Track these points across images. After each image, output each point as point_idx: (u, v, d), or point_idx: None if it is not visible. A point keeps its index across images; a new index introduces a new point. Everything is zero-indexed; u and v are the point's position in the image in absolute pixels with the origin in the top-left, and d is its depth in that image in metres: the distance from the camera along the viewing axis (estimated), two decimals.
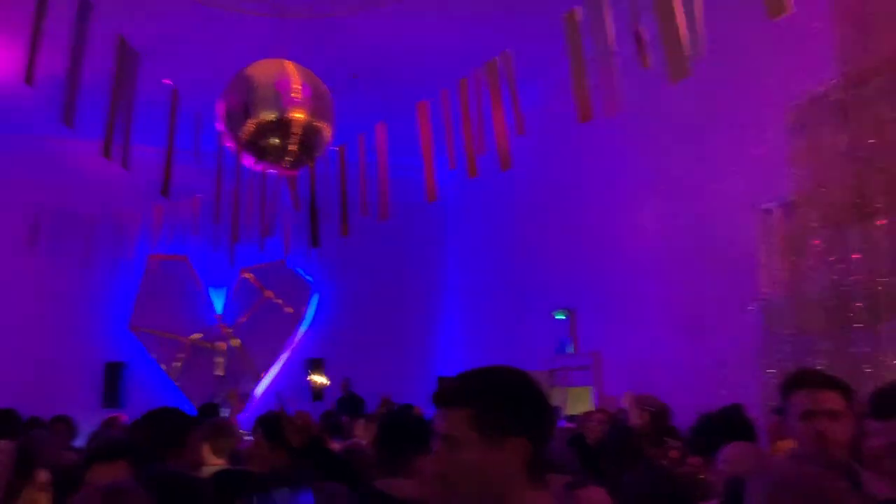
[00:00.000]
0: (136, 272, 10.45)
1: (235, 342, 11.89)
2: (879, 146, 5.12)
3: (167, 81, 5.62)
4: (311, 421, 2.88)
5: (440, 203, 8.70)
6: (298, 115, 5.18)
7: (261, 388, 11.91)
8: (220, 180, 5.26)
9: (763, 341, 6.25)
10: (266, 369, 12.02)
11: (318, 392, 11.17)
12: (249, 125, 5.21)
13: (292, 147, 5.23)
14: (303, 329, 12.39)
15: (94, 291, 11.10)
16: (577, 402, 8.50)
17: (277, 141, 5.22)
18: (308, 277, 12.18)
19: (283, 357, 12.20)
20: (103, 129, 3.88)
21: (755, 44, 6.63)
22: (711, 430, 2.84)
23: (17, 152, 10.94)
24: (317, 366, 11.32)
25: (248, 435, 4.33)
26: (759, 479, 1.50)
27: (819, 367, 5.56)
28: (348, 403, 10.31)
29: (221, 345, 11.84)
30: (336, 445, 4.01)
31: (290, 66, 5.34)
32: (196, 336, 11.76)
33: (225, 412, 9.48)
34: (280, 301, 12.20)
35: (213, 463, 3.39)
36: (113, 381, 10.61)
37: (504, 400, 1.50)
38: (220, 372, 11.52)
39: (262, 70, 5.35)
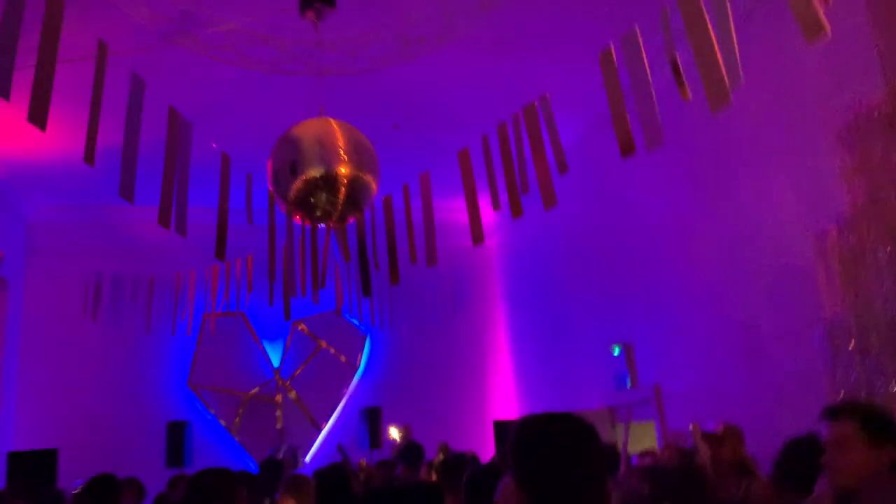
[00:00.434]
0: (193, 332, 10.68)
1: (292, 394, 12.00)
2: None
3: (214, 146, 5.80)
4: (373, 471, 2.90)
5: (486, 245, 8.74)
6: (344, 170, 5.29)
7: (319, 440, 11.96)
8: (273, 237, 5.37)
9: (828, 364, 6.07)
10: (324, 419, 12.07)
11: (376, 440, 11.15)
12: (297, 183, 5.33)
13: (339, 201, 5.33)
14: (357, 378, 12.45)
15: (155, 353, 11.38)
16: (641, 437, 8.32)
17: (325, 196, 5.32)
18: (360, 325, 12.28)
19: (340, 406, 12.26)
20: (159, 198, 4.02)
21: (796, 65, 6.57)
22: (802, 458, 2.76)
23: (77, 222, 11.39)
24: (375, 415, 11.32)
25: None
26: None
27: (888, 390, 5.38)
28: (407, 451, 10.26)
29: (279, 398, 11.96)
30: None
31: (333, 123, 5.48)
32: (254, 391, 11.91)
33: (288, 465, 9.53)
34: (334, 350, 12.30)
35: None
36: (176, 441, 10.76)
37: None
38: (279, 425, 11.61)
39: (307, 129, 5.50)
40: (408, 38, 7.40)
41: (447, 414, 11.94)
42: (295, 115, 8.42)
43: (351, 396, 12.33)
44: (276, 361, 12.15)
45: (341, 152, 5.26)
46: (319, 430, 12.00)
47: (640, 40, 3.78)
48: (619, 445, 6.44)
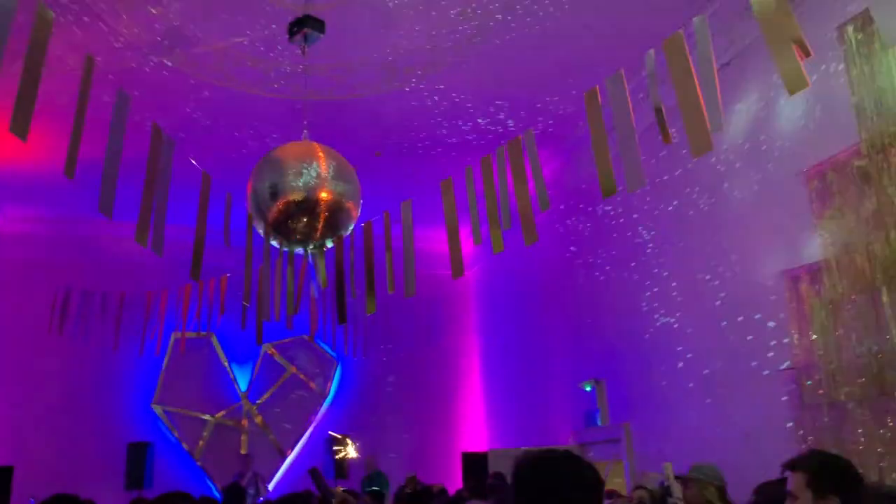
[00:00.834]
0: (162, 351, 10.50)
1: (259, 419, 11.80)
2: None
3: (194, 162, 5.77)
4: (348, 498, 2.83)
5: (464, 276, 8.73)
6: (325, 195, 5.27)
7: (283, 468, 11.76)
8: (250, 259, 5.32)
9: (797, 410, 6.12)
10: (290, 447, 11.88)
11: (342, 469, 11.00)
12: (277, 206, 5.30)
13: (319, 226, 5.31)
14: (326, 405, 12.30)
15: (120, 371, 11.16)
16: (610, 475, 8.28)
17: (304, 220, 5.30)
18: (332, 352, 12.16)
19: (307, 434, 12.07)
20: (135, 213, 3.97)
21: (772, 113, 6.72)
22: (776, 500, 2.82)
23: (47, 234, 11.20)
24: (341, 441, 11.17)
25: None
26: None
27: (858, 437, 5.43)
28: (372, 481, 10.14)
29: (245, 423, 11.76)
30: None
31: (317, 147, 5.48)
32: (220, 414, 11.70)
33: (251, 493, 9.35)
34: (304, 377, 12.15)
35: None
36: (137, 462, 10.52)
37: None
38: (243, 451, 11.40)
39: (289, 152, 5.48)
40: (395, 67, 7.46)
41: (416, 444, 11.83)
42: (278, 137, 8.45)
43: (318, 424, 12.17)
44: (244, 385, 11.97)
45: (323, 177, 5.25)
46: (285, 458, 11.80)
47: (626, 83, 3.84)
48: None
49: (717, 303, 7.21)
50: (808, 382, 5.94)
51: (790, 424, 6.15)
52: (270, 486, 11.21)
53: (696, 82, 3.51)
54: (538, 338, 10.76)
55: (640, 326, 8.42)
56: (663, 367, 7.96)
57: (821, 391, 5.82)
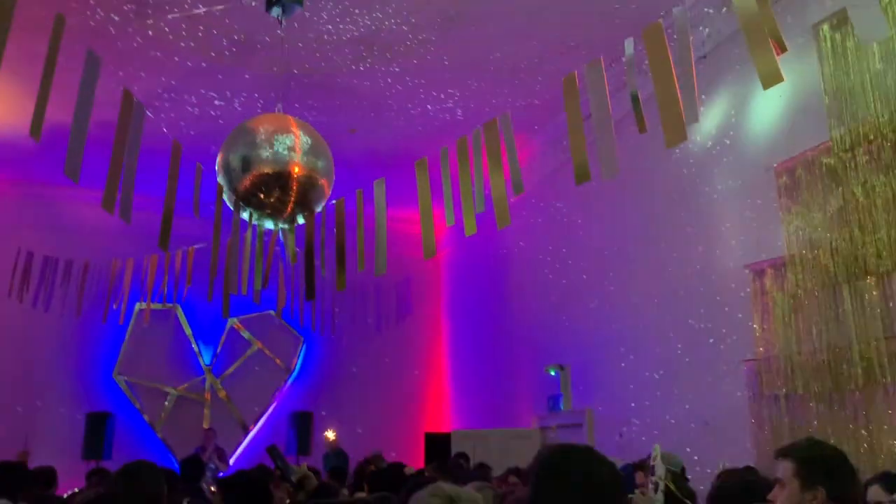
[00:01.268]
0: (126, 321, 10.35)
1: (222, 393, 11.72)
2: (869, 209, 5.22)
3: (165, 130, 5.66)
4: (309, 478, 2.82)
5: (435, 257, 8.72)
6: (297, 170, 5.22)
7: (245, 442, 11.72)
8: (218, 231, 5.24)
9: (755, 400, 6.25)
10: (253, 421, 11.83)
11: (306, 447, 11.00)
12: (248, 178, 5.24)
13: (290, 200, 5.25)
14: (290, 381, 12.26)
15: (82, 339, 10.98)
16: None
17: (276, 194, 5.24)
18: (299, 329, 12.10)
19: (270, 409, 12.03)
20: (103, 180, 3.88)
21: (746, 108, 6.79)
22: (736, 491, 2.86)
23: (8, 197, 10.94)
24: (306, 420, 11.17)
25: None
26: None
27: (811, 429, 5.57)
28: (333, 460, 10.14)
29: (208, 396, 11.67)
30: None
31: (290, 121, 5.41)
32: (182, 387, 11.60)
33: (211, 468, 9.30)
34: (269, 352, 12.08)
35: None
36: (95, 432, 10.39)
37: None
38: (206, 424, 11.33)
39: (262, 124, 5.41)
40: (372, 44, 7.38)
41: (379, 423, 11.85)
42: (251, 109, 8.33)
43: (282, 400, 12.12)
44: (208, 359, 11.87)
45: (297, 151, 5.19)
46: (247, 432, 11.75)
47: (604, 70, 3.84)
48: None
49: (681, 292, 7.31)
50: (768, 374, 6.07)
51: (748, 414, 6.28)
52: (231, 461, 11.16)
53: (674, 73, 3.52)
54: (505, 322, 10.82)
55: (605, 314, 8.51)
56: (627, 355, 8.06)
57: (779, 383, 5.95)
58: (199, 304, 10.33)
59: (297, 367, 12.33)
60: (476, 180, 4.38)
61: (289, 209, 5.31)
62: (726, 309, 6.72)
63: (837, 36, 5.53)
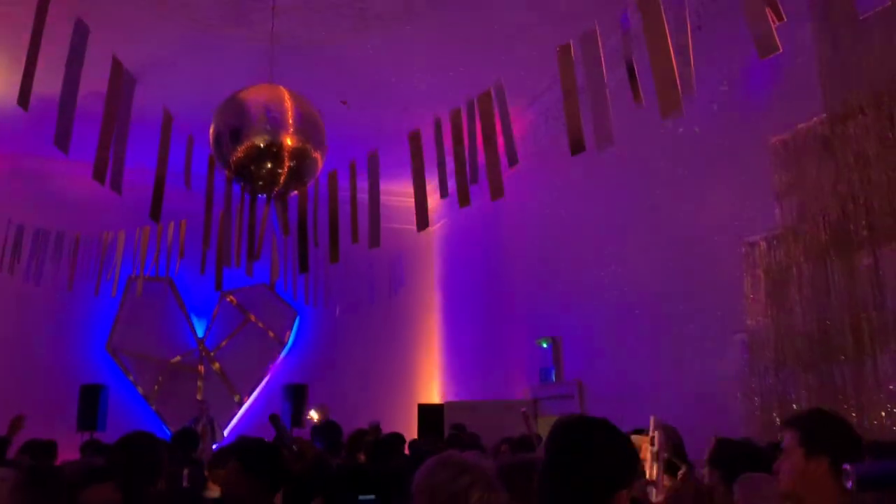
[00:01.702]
0: (118, 294, 10.33)
1: (215, 366, 11.76)
2: (862, 181, 5.23)
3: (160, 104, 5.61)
4: (309, 446, 2.83)
5: (428, 230, 8.71)
6: (289, 141, 5.17)
7: (239, 414, 11.78)
8: (210, 203, 5.21)
9: (746, 372, 6.30)
10: (246, 394, 11.88)
11: (299, 419, 11.06)
12: (240, 150, 5.19)
13: (283, 172, 5.22)
14: (283, 354, 12.30)
15: (75, 312, 10.97)
16: None
17: (268, 166, 5.20)
18: (292, 301, 12.11)
19: (264, 382, 12.08)
20: (94, 151, 3.85)
21: (740, 79, 6.76)
22: (734, 458, 2.89)
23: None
24: (300, 393, 11.21)
25: None
26: None
27: (801, 400, 5.63)
28: (326, 431, 10.18)
29: (201, 368, 11.71)
30: None
31: (283, 92, 5.35)
32: (176, 359, 11.62)
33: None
34: (262, 325, 12.10)
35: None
36: (89, 404, 10.41)
37: None
38: (199, 396, 11.37)
39: (254, 95, 5.35)
40: (366, 13, 7.29)
41: (373, 395, 11.92)
42: (242, 79, 8.22)
43: (276, 373, 12.17)
44: (201, 331, 11.88)
45: (289, 122, 5.14)
46: (241, 405, 11.81)
47: (600, 40, 3.81)
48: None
49: (674, 264, 7.33)
50: (758, 346, 6.11)
51: (739, 386, 6.34)
52: (225, 433, 11.22)
53: (670, 43, 3.50)
54: (498, 294, 10.85)
55: (597, 286, 8.53)
56: (619, 327, 8.11)
57: (770, 355, 5.99)
58: (191, 277, 10.31)
59: (291, 339, 12.36)
60: (470, 152, 4.37)
61: (281, 181, 5.28)
62: (718, 281, 6.74)
63: (835, 5, 5.49)
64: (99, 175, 3.51)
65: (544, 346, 9.36)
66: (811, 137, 5.65)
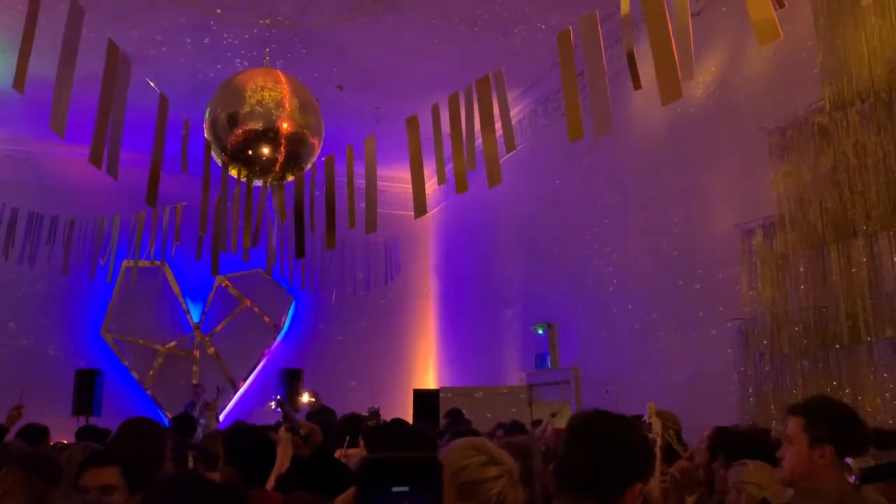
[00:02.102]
0: (113, 279, 10.31)
1: (211, 350, 11.76)
2: (860, 169, 5.23)
3: (152, 84, 5.57)
4: (316, 432, 2.82)
5: (423, 217, 8.67)
6: (286, 126, 5.16)
7: (235, 399, 11.80)
8: (207, 188, 5.19)
9: (741, 359, 6.33)
10: (242, 379, 11.89)
11: (294, 404, 11.07)
12: (236, 134, 5.17)
13: (279, 157, 5.20)
14: (279, 339, 12.30)
15: (69, 297, 10.94)
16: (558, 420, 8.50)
17: (264, 151, 5.18)
18: (288, 287, 12.09)
19: (259, 367, 12.09)
20: (89, 135, 3.82)
21: (738, 66, 6.74)
22: (735, 445, 2.89)
23: None
24: (296, 378, 11.22)
25: None
26: None
27: (796, 388, 5.66)
28: (318, 416, 10.20)
29: (197, 353, 11.71)
30: None
31: (281, 76, 5.33)
32: (171, 344, 11.61)
33: (201, 423, 9.36)
34: (258, 310, 12.09)
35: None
36: (85, 389, 10.41)
37: None
38: (194, 381, 11.37)
39: (251, 79, 5.33)
40: None
41: (368, 380, 11.94)
42: (238, 63, 8.19)
43: (271, 357, 12.17)
44: (196, 317, 11.86)
45: (286, 107, 5.12)
46: (236, 389, 11.82)
47: (599, 26, 3.78)
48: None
49: (670, 251, 7.34)
50: (754, 333, 6.13)
51: (734, 372, 6.37)
52: (221, 417, 11.23)
53: (670, 29, 3.47)
54: (494, 280, 10.85)
55: (593, 273, 8.54)
56: (614, 313, 8.12)
57: (765, 342, 6.01)
58: (187, 262, 10.27)
59: (287, 325, 12.36)
60: (468, 138, 4.34)
61: (278, 166, 5.26)
62: (714, 268, 6.76)
63: None
64: (95, 159, 3.48)
65: (540, 332, 9.38)
66: (808, 125, 5.64)
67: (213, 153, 5.42)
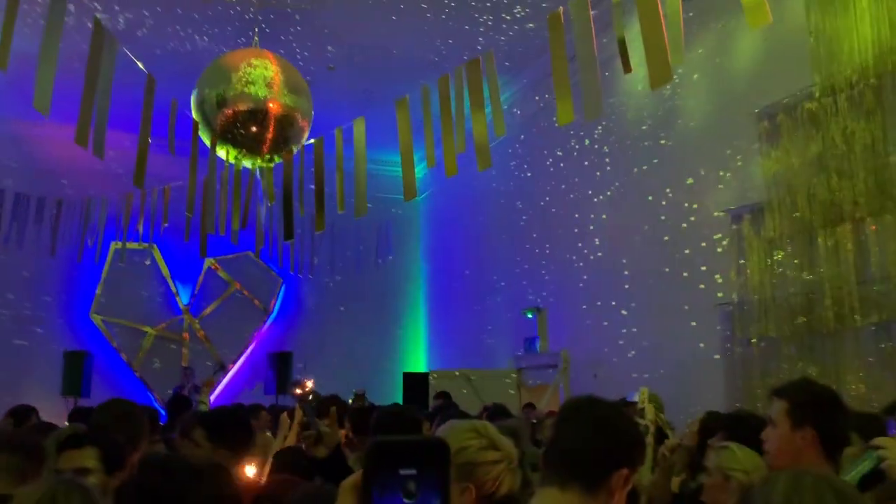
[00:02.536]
0: (101, 260, 10.25)
1: (200, 333, 11.73)
2: (848, 155, 5.25)
3: (140, 65, 5.51)
4: (333, 435, 2.75)
5: (413, 200, 8.66)
6: (274, 107, 5.12)
7: (224, 381, 11.79)
8: (195, 169, 5.15)
9: (728, 343, 6.37)
10: (232, 362, 11.88)
11: (284, 388, 11.09)
12: (225, 115, 5.13)
13: (268, 138, 5.17)
14: (269, 322, 12.28)
15: (57, 278, 10.88)
16: (545, 401, 8.55)
17: (253, 132, 5.15)
18: (277, 269, 12.06)
19: (249, 350, 12.08)
20: (76, 115, 3.78)
21: (728, 51, 6.73)
22: (730, 429, 2.90)
23: None
24: (286, 360, 11.22)
25: None
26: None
27: (782, 372, 5.70)
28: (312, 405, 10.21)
29: (186, 336, 11.68)
30: None
31: (268, 56, 5.28)
32: (160, 327, 11.58)
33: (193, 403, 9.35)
34: (247, 293, 12.06)
35: None
36: (73, 370, 10.37)
37: None
38: (183, 363, 11.36)
39: (240, 59, 5.28)
40: None
41: (358, 363, 11.93)
42: (227, 43, 8.10)
43: (261, 340, 12.16)
44: (186, 298, 11.82)
45: (274, 87, 5.08)
46: (225, 372, 11.81)
47: (590, 9, 3.77)
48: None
49: (659, 236, 7.35)
50: (741, 318, 6.17)
51: (720, 357, 6.41)
52: (210, 399, 11.22)
53: (661, 12, 3.46)
54: (484, 264, 10.86)
55: (582, 258, 8.56)
56: (603, 298, 8.15)
57: (752, 326, 6.05)
58: (176, 244, 10.21)
59: (276, 308, 12.34)
60: (458, 121, 4.33)
61: (266, 147, 5.23)
62: (703, 252, 6.78)
63: None
64: (81, 139, 3.45)
65: (529, 316, 9.41)
66: (798, 110, 5.64)
67: (200, 134, 5.38)
